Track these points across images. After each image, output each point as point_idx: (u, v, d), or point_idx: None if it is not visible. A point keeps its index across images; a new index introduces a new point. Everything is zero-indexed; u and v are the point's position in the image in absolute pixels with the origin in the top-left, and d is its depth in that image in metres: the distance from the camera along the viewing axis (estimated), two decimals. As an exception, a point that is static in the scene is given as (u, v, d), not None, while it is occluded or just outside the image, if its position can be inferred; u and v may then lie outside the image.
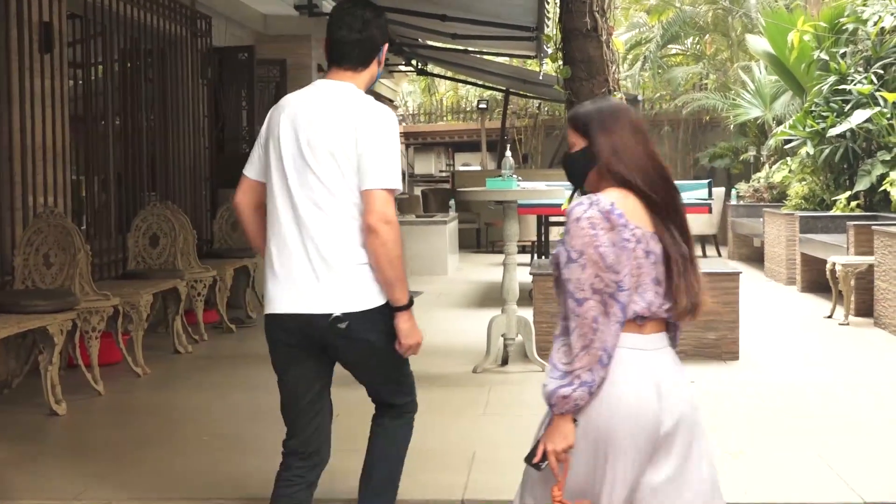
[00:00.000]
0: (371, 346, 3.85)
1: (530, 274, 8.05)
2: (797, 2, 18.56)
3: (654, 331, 3.09)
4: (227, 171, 11.31)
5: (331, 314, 3.74)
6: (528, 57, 16.01)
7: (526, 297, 8.21)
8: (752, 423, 6.03)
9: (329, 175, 3.78)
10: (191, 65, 10.84)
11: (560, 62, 8.43)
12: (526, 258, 13.78)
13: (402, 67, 19.39)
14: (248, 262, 10.14)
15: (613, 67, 8.32)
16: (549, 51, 8.90)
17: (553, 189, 8.03)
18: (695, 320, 3.18)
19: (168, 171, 10.47)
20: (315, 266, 3.78)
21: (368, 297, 3.79)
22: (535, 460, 3.07)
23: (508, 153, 8.03)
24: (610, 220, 2.97)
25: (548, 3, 8.61)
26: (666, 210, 3.11)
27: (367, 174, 3.75)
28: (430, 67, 19.89)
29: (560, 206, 8.96)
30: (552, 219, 11.78)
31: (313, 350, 3.87)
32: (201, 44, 11.10)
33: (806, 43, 14.22)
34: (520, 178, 7.66)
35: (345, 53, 3.96)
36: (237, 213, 4.12)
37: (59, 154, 7.91)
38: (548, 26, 9.47)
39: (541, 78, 14.16)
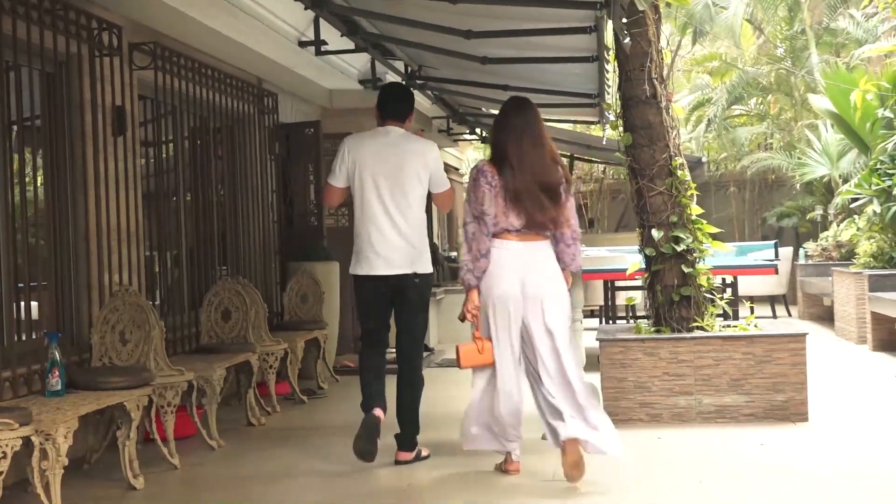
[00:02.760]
0: (423, 294, 6.95)
1: (597, 339, 8.10)
2: (856, 62, 18.54)
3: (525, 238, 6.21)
4: (296, 245, 11.51)
5: (412, 273, 6.79)
6: (591, 122, 16.09)
7: (594, 363, 8.26)
8: (825, 489, 6.01)
9: (411, 187, 6.79)
10: (258, 141, 11.08)
11: (621, 129, 8.55)
12: (595, 322, 13.79)
13: (467, 136, 19.58)
14: (318, 334, 10.29)
15: (674, 133, 8.42)
16: (612, 117, 9.01)
17: (616, 255, 8.10)
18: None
19: (238, 245, 10.68)
20: (403, 246, 6.75)
21: (428, 266, 6.91)
22: (459, 317, 6.32)
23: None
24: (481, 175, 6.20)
25: (607, 72, 8.71)
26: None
27: (436, 184, 6.97)
28: (495, 135, 20.04)
29: (625, 270, 9.02)
30: (618, 283, 11.83)
31: (388, 296, 6.84)
32: (268, 120, 11.35)
33: (869, 102, 14.21)
34: (583, 244, 7.74)
35: (397, 111, 7.04)
36: (330, 206, 8.30)
37: (132, 233, 8.13)
38: (608, 93, 9.58)
39: (604, 143, 14.24)
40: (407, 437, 6.96)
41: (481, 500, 6.01)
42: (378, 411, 6.79)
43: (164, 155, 9.37)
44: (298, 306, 10.75)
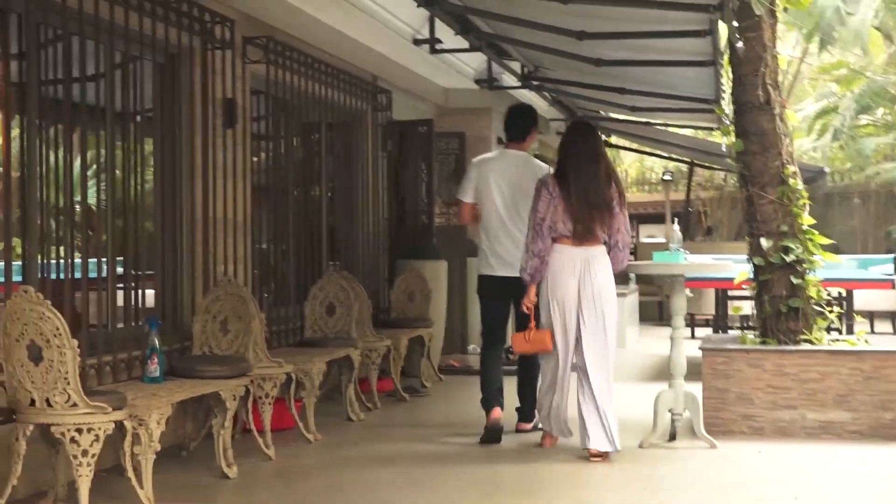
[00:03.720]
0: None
1: (699, 349, 7.96)
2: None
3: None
4: (407, 242, 11.52)
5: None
6: (710, 128, 15.86)
7: (696, 372, 8.10)
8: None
9: (525, 202, 7.42)
10: (371, 138, 11.12)
11: (733, 135, 8.40)
12: (709, 332, 13.57)
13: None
14: (423, 332, 10.29)
15: (787, 140, 8.24)
16: (727, 122, 8.86)
17: (720, 263, 7.95)
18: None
19: (348, 241, 10.74)
20: (517, 252, 7.44)
21: None
22: (523, 308, 7.24)
23: (676, 226, 8.00)
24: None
25: (723, 77, 8.57)
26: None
27: None
28: (614, 139, 19.90)
29: (732, 279, 8.85)
30: (731, 293, 11.62)
31: (505, 295, 7.74)
32: (382, 117, 11.38)
33: None
34: (686, 251, 7.62)
35: (517, 131, 8.03)
36: (464, 222, 8.94)
37: (240, 224, 8.22)
38: (723, 99, 9.42)
39: (723, 150, 14.02)
40: (526, 411, 7.96)
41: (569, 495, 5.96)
42: (497, 412, 7.68)
43: (276, 149, 9.45)
44: (405, 304, 10.76)
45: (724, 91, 8.88)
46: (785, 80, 22.44)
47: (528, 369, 7.88)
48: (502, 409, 7.72)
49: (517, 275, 7.34)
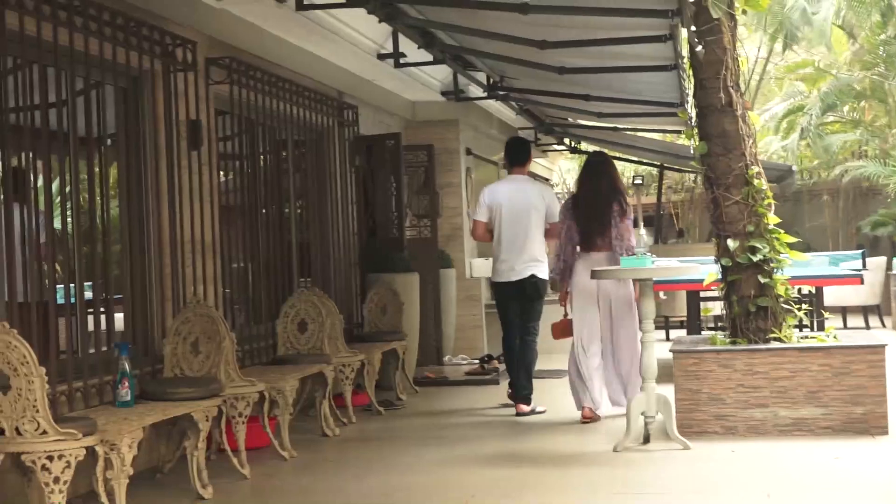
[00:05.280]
0: (540, 294, 9.48)
1: (670, 351, 7.99)
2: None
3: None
4: (378, 256, 11.50)
5: (531, 276, 9.34)
6: (678, 132, 15.91)
7: (669, 374, 8.13)
8: None
9: (529, 217, 9.38)
10: (339, 153, 11.12)
11: (696, 139, 8.43)
12: (683, 334, 13.60)
13: (556, 147, 19.50)
14: (396, 345, 10.29)
15: (750, 141, 8.27)
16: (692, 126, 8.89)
17: (686, 266, 7.98)
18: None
19: (319, 257, 10.73)
20: (528, 259, 9.35)
21: (545, 273, 9.40)
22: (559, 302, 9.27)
23: (643, 231, 8.05)
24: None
25: (685, 81, 8.59)
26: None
27: (552, 215, 9.41)
28: (584, 146, 19.94)
29: (701, 281, 8.89)
30: (702, 294, 11.63)
31: (518, 296, 9.43)
32: (349, 133, 11.38)
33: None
34: (653, 255, 7.65)
35: (518, 159, 9.81)
36: (477, 239, 10.11)
37: (208, 245, 8.21)
38: (688, 102, 9.46)
39: (692, 152, 14.07)
40: (522, 393, 9.43)
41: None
42: (523, 408, 9.33)
43: (244, 168, 9.43)
44: (378, 317, 10.76)
45: (687, 94, 8.91)
46: (751, 80, 22.58)
47: (525, 355, 9.43)
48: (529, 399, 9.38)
49: (522, 277, 9.35)
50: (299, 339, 8.96)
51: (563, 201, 9.49)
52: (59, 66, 6.62)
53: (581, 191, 9.13)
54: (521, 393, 9.39)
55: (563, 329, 9.06)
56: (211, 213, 8.33)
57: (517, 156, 9.85)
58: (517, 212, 9.42)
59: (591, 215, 8.84)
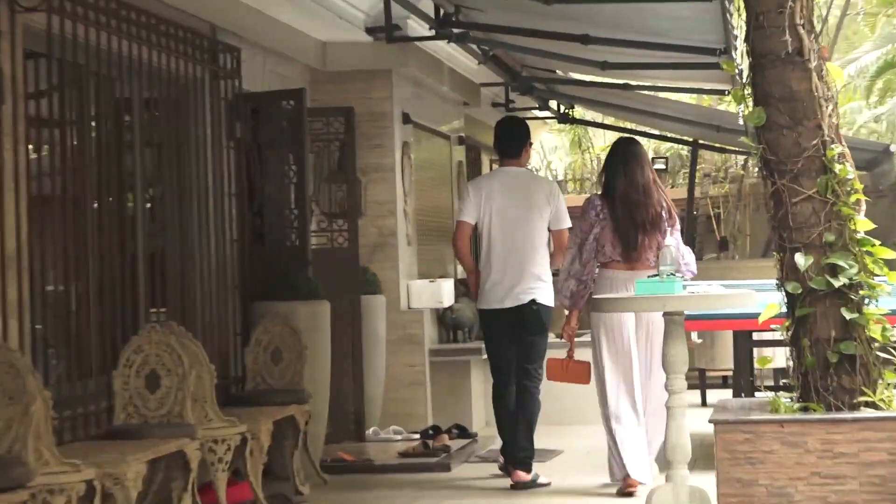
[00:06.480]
0: (544, 326, 10.46)
1: (710, 422, 7.99)
2: None
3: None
4: (268, 274, 11.41)
5: (531, 300, 10.29)
6: (721, 92, 16.00)
7: (708, 456, 8.15)
8: None
9: (537, 223, 10.29)
10: (211, 119, 11.05)
11: (750, 102, 8.44)
12: (723, 395, 13.63)
13: (538, 112, 19.45)
14: (296, 411, 10.24)
15: (829, 107, 8.26)
16: (741, 83, 8.95)
17: (733, 294, 7.99)
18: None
19: (179, 274, 10.65)
20: (529, 279, 10.27)
21: (549, 297, 10.32)
22: (557, 334, 10.88)
23: (670, 240, 8.06)
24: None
25: (732, 16, 8.63)
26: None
27: (558, 220, 10.52)
28: (578, 112, 20.00)
29: (756, 317, 8.91)
30: (756, 336, 11.67)
31: (514, 328, 10.30)
32: (226, 88, 11.31)
33: None
34: (684, 277, 7.68)
35: (510, 148, 10.61)
36: (458, 249, 10.84)
37: (9, 257, 8.12)
38: (735, 49, 9.52)
39: (740, 123, 14.16)
40: (521, 456, 10.21)
41: None
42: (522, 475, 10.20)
43: (66, 140, 9.34)
44: (268, 368, 10.71)
45: (736, 36, 8.95)
46: (829, 17, 22.75)
47: (524, 407, 10.24)
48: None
49: (521, 304, 10.16)
50: (148, 400, 8.89)
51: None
52: None
53: (618, 185, 9.85)
54: (518, 456, 10.14)
55: (566, 371, 10.06)
56: (15, 209, 8.24)
57: (512, 141, 10.64)
58: (514, 216, 10.27)
59: (638, 218, 9.62)
